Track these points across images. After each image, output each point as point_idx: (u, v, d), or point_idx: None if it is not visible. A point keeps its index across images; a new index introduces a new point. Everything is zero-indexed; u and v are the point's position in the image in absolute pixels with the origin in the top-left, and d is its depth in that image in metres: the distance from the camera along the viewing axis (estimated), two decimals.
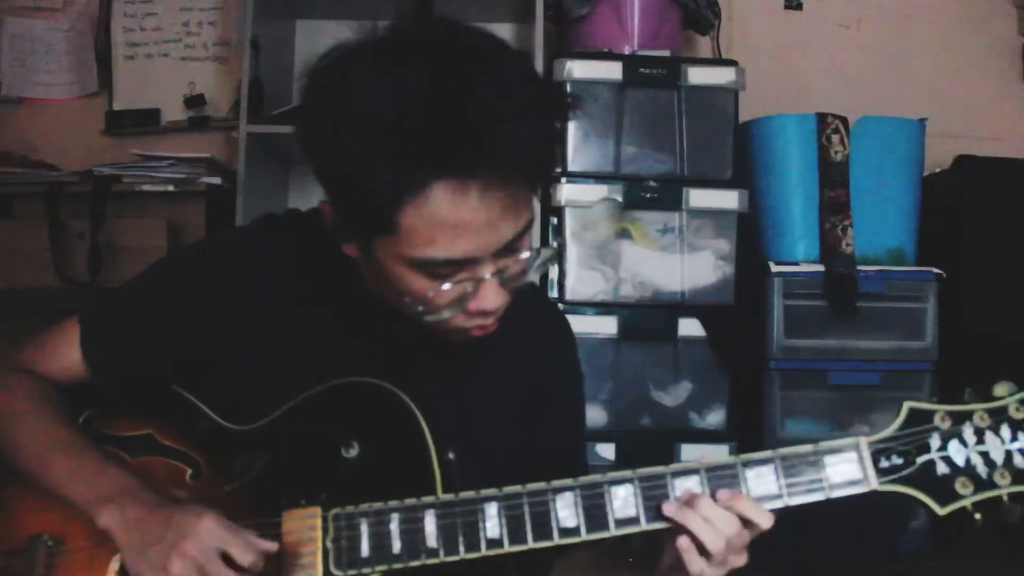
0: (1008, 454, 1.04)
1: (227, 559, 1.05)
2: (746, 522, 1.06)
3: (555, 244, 1.16)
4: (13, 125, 3.11)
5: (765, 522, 1.06)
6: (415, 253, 1.03)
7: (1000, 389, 1.06)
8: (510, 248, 1.06)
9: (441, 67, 0.99)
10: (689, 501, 1.06)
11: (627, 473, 1.08)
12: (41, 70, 3.15)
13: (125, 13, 3.17)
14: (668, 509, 1.07)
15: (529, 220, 1.07)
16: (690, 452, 2.50)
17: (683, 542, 1.06)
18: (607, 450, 2.48)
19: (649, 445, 2.52)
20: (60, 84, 3.16)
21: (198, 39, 3.17)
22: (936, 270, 2.62)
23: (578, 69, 2.56)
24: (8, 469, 1.21)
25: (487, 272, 1.05)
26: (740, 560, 1.08)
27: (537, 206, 2.21)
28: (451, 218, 1.00)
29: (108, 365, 1.25)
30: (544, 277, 2.55)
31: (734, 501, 1.06)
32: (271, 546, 1.08)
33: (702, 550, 1.06)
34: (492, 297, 1.06)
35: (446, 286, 1.05)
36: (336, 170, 1.04)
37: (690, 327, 2.57)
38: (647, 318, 2.56)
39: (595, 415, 2.54)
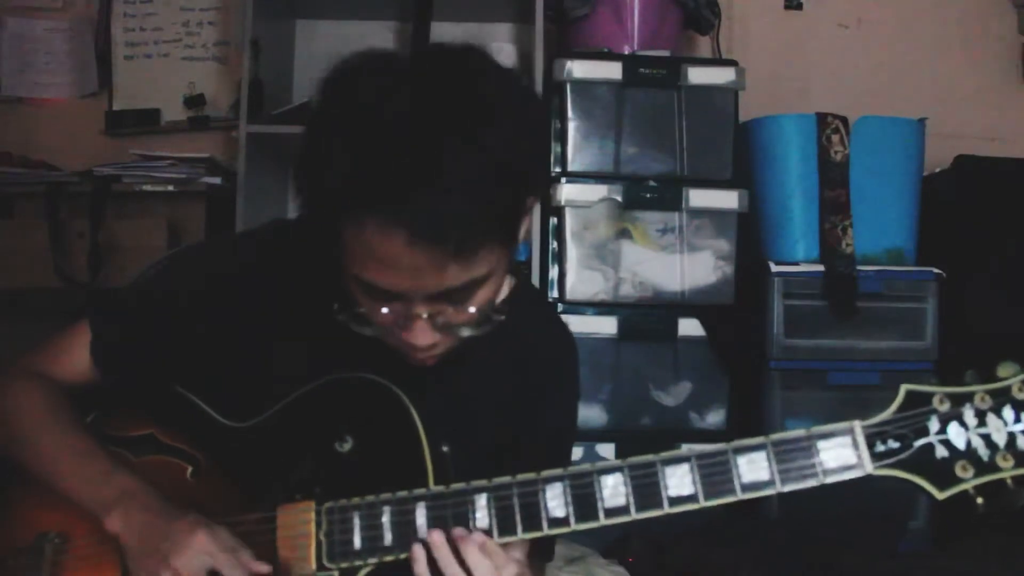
0: (1011, 436, 0.99)
1: None
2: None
3: (502, 318, 1.14)
4: (13, 125, 3.10)
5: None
6: (353, 270, 1.04)
7: (1004, 370, 1.01)
8: (452, 297, 1.04)
9: (423, 107, 0.97)
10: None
11: (617, 462, 1.07)
12: (41, 70, 3.15)
13: (125, 13, 3.16)
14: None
15: (485, 275, 1.04)
16: None
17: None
18: (607, 450, 2.48)
19: (649, 445, 2.48)
20: (60, 84, 3.16)
21: (198, 39, 3.17)
22: (936, 270, 2.62)
23: (578, 69, 2.56)
24: (16, 469, 1.22)
25: (420, 311, 1.04)
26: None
27: (537, 208, 2.20)
28: (378, 252, 1.00)
29: (117, 368, 1.27)
30: (544, 276, 2.55)
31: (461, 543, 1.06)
32: (264, 568, 1.10)
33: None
34: (421, 335, 1.06)
35: (384, 309, 1.06)
36: (305, 174, 1.04)
37: (690, 327, 2.56)
38: (647, 318, 2.56)
39: (595, 415, 2.54)
